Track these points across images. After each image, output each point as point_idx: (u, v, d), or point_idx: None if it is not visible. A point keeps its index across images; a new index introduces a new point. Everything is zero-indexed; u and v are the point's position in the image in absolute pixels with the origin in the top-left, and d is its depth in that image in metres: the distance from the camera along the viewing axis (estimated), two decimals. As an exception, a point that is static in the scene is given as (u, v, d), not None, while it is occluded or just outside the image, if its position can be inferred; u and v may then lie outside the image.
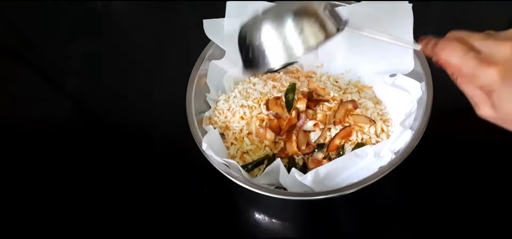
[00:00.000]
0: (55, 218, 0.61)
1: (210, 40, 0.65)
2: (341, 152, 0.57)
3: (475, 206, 0.55)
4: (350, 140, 0.58)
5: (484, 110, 0.37)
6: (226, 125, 0.61)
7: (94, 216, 0.61)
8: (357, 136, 0.58)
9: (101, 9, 0.90)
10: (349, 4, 0.64)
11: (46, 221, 0.61)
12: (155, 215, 0.59)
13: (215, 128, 0.59)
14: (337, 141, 0.58)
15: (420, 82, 0.57)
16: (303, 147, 0.58)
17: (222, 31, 0.64)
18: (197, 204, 0.60)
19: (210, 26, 0.64)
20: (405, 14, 0.58)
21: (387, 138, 0.57)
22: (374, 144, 0.57)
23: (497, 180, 0.57)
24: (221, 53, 0.65)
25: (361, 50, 0.65)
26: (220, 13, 0.65)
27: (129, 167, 0.65)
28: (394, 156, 0.52)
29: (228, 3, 0.65)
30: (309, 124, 0.59)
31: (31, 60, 0.84)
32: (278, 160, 0.54)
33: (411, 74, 0.58)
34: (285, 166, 0.55)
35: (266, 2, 0.65)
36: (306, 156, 0.59)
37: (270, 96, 0.61)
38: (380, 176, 0.50)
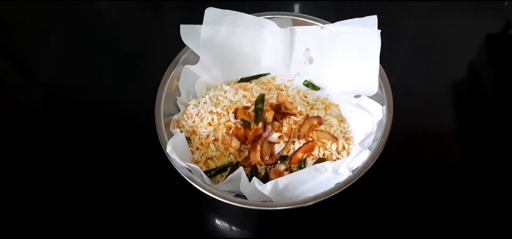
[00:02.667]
0: (16, 206, 0.61)
1: (185, 45, 0.66)
2: (302, 166, 0.59)
3: (423, 226, 0.58)
4: (312, 155, 0.60)
5: None
6: (193, 130, 0.62)
7: (52, 211, 0.61)
8: (319, 151, 0.60)
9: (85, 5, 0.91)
10: (323, 23, 0.66)
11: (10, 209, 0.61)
12: (114, 212, 0.60)
13: (181, 132, 0.60)
14: (299, 155, 0.59)
15: (382, 105, 0.59)
16: (267, 158, 0.60)
17: (198, 37, 0.66)
18: (157, 205, 0.61)
19: (186, 31, 0.65)
20: (374, 39, 0.61)
21: (347, 155, 0.59)
22: (334, 160, 0.58)
23: (446, 201, 0.59)
24: (195, 58, 0.66)
25: (331, 69, 0.67)
26: (199, 20, 0.66)
27: (93, 160, 0.66)
28: (351, 173, 0.54)
29: (206, 10, 0.66)
30: (274, 136, 0.60)
31: (8, 48, 0.84)
32: (240, 168, 0.56)
33: (375, 97, 0.61)
34: (247, 174, 0.56)
35: (243, 13, 0.67)
36: (269, 167, 0.60)
37: (240, 105, 0.63)
38: (336, 192, 0.52)
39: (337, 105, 0.66)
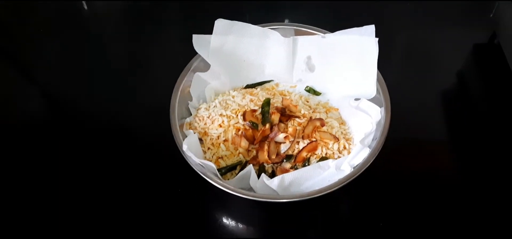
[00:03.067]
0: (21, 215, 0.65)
1: (196, 53, 0.71)
2: (307, 164, 0.63)
3: (419, 220, 0.62)
4: (316, 154, 0.64)
5: None
6: (205, 131, 0.67)
7: (69, 215, 0.64)
8: (322, 150, 0.64)
9: (87, 13, 0.97)
10: (324, 33, 0.72)
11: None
12: (129, 212, 0.64)
13: (194, 133, 0.65)
14: (304, 154, 0.64)
15: (380, 107, 0.64)
16: (273, 157, 0.64)
17: (208, 46, 0.71)
18: (170, 203, 0.65)
19: (198, 40, 0.70)
20: (371, 47, 0.66)
21: (348, 154, 0.64)
22: (336, 158, 0.63)
23: (440, 198, 0.64)
24: (205, 66, 0.71)
25: (331, 75, 0.72)
26: (208, 31, 0.71)
27: (108, 163, 0.70)
28: (352, 169, 0.59)
29: (216, 21, 0.71)
30: (280, 136, 0.65)
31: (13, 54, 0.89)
32: (250, 166, 0.60)
33: (373, 100, 0.66)
34: (256, 172, 0.61)
35: (250, 24, 0.72)
36: (276, 165, 0.64)
37: (247, 108, 0.68)
38: (339, 186, 0.56)
39: (337, 109, 0.71)
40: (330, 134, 0.66)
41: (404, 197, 0.64)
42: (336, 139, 0.65)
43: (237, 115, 0.67)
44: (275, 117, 0.66)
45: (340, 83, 0.71)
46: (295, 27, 0.74)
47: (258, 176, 0.60)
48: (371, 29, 0.65)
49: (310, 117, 0.67)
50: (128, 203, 0.65)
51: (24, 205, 0.65)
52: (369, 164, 0.58)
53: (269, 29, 0.73)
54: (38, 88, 0.85)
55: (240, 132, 0.65)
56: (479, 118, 0.75)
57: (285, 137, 0.65)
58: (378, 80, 0.66)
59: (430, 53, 0.85)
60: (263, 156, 0.63)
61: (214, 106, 0.69)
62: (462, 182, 0.65)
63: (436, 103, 0.77)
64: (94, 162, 0.70)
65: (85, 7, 0.97)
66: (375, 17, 0.88)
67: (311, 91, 0.75)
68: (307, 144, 0.64)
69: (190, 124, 0.68)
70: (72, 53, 0.89)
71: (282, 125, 0.66)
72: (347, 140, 0.66)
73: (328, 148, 0.65)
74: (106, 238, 0.62)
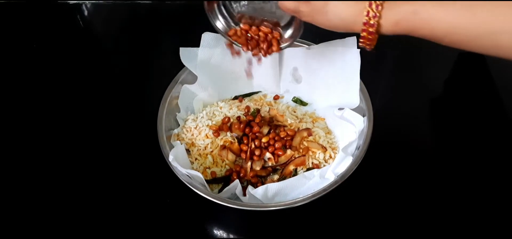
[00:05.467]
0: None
1: (183, 66, 0.72)
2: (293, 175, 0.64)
3: (402, 226, 0.63)
4: (303, 166, 0.65)
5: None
6: (192, 142, 0.68)
7: (55, 227, 0.65)
8: (308, 161, 0.65)
9: (82, 28, 0.99)
10: (309, 44, 0.73)
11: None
12: (118, 222, 0.65)
13: (181, 144, 0.66)
14: (291, 167, 0.65)
15: (363, 116, 0.65)
16: (258, 168, 0.65)
17: (195, 59, 0.72)
18: (159, 213, 0.65)
19: (185, 53, 0.72)
20: (354, 58, 0.68)
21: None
22: (321, 168, 0.64)
23: (421, 204, 0.65)
24: (193, 78, 0.73)
25: (317, 86, 0.74)
26: (195, 43, 0.73)
27: (95, 173, 0.70)
28: (336, 178, 0.60)
29: (204, 34, 0.73)
30: (266, 156, 0.66)
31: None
32: (237, 181, 0.61)
33: (357, 109, 0.67)
34: (242, 185, 0.62)
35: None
36: (263, 178, 0.65)
37: (234, 120, 0.69)
38: (323, 193, 0.57)
39: (324, 119, 0.73)
40: (318, 144, 0.67)
41: (388, 203, 0.65)
42: (324, 148, 0.66)
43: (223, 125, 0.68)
44: (264, 129, 0.67)
45: (325, 93, 0.72)
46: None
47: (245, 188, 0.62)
48: (352, 40, 0.67)
49: (298, 128, 0.68)
50: (116, 213, 0.65)
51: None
52: (351, 172, 0.59)
53: None
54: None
55: (226, 145, 0.66)
56: (463, 115, 0.76)
57: (268, 159, 0.66)
58: (361, 89, 0.67)
59: (418, 61, 0.86)
60: (248, 173, 0.64)
61: (202, 117, 0.70)
62: (446, 189, 0.66)
63: (422, 111, 0.78)
64: (82, 172, 0.70)
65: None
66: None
67: (298, 101, 0.76)
68: (295, 159, 0.65)
69: (178, 135, 0.69)
70: (65, 60, 0.90)
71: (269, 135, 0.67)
72: (333, 149, 0.67)
73: (315, 158, 0.66)
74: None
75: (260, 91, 0.78)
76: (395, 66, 0.87)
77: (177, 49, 0.71)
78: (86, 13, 1.01)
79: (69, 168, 0.71)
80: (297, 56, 0.74)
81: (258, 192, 0.59)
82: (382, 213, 0.64)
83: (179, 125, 0.71)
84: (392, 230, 0.62)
